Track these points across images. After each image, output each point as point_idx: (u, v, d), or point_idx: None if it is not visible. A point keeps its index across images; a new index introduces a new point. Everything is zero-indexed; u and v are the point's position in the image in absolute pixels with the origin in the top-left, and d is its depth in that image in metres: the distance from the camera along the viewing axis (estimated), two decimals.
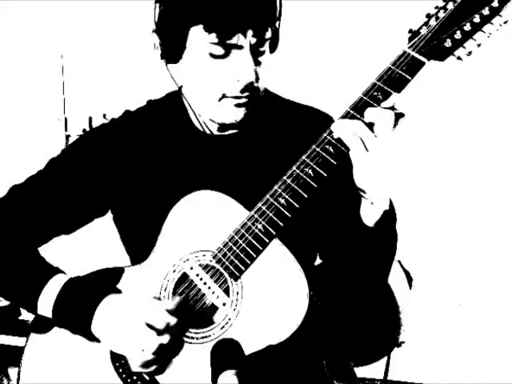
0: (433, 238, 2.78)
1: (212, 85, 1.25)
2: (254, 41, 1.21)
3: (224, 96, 1.25)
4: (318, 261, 1.40)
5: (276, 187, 1.18)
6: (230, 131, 1.36)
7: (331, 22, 2.75)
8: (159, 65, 1.31)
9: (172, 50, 1.27)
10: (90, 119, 2.83)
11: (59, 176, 1.38)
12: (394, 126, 1.08)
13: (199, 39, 1.21)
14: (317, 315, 1.18)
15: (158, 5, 1.26)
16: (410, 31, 1.13)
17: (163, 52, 1.29)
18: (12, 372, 2.59)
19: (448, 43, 1.09)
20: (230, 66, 1.23)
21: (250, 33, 1.20)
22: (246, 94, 1.25)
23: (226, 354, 1.01)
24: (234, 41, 1.20)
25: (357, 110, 1.12)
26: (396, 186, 1.14)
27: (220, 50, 1.21)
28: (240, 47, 1.21)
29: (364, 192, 1.14)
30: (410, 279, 1.33)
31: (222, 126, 1.34)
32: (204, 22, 1.19)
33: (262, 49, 1.24)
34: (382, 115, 1.08)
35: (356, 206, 1.19)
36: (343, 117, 1.14)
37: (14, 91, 3.07)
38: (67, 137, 3.03)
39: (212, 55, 1.22)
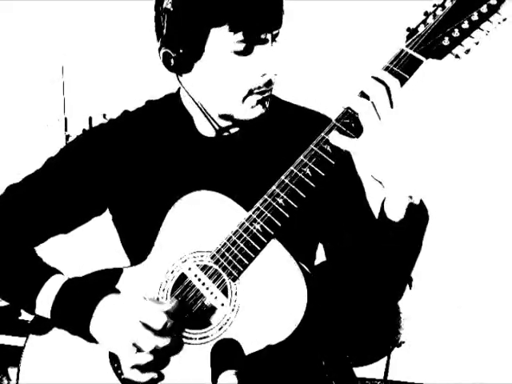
0: (433, 239, 2.77)
1: (237, 82, 1.23)
2: (275, 32, 1.23)
3: (250, 92, 1.24)
4: (318, 260, 1.39)
5: (274, 187, 1.17)
6: (232, 130, 1.35)
7: (328, 20, 2.74)
8: (159, 65, 1.30)
9: (189, 57, 1.24)
10: (90, 119, 2.83)
11: (57, 174, 1.38)
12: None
13: (222, 39, 1.20)
14: (315, 315, 1.17)
15: (167, 16, 1.22)
16: (408, 29, 1.13)
17: (177, 63, 1.25)
18: (12, 372, 2.59)
19: (446, 41, 1.09)
20: (254, 61, 1.22)
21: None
22: (271, 87, 1.26)
23: (225, 354, 1.00)
24: (262, 36, 1.20)
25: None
26: (421, 178, 1.09)
27: (245, 47, 1.21)
28: (265, 41, 1.22)
29: (380, 182, 1.12)
30: (410, 279, 1.32)
31: (236, 123, 1.32)
32: (231, 22, 1.18)
33: (275, 42, 1.25)
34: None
35: (362, 202, 1.19)
36: (339, 119, 1.13)
37: (14, 91, 3.07)
38: (67, 137, 3.03)
39: (236, 52, 1.21)
